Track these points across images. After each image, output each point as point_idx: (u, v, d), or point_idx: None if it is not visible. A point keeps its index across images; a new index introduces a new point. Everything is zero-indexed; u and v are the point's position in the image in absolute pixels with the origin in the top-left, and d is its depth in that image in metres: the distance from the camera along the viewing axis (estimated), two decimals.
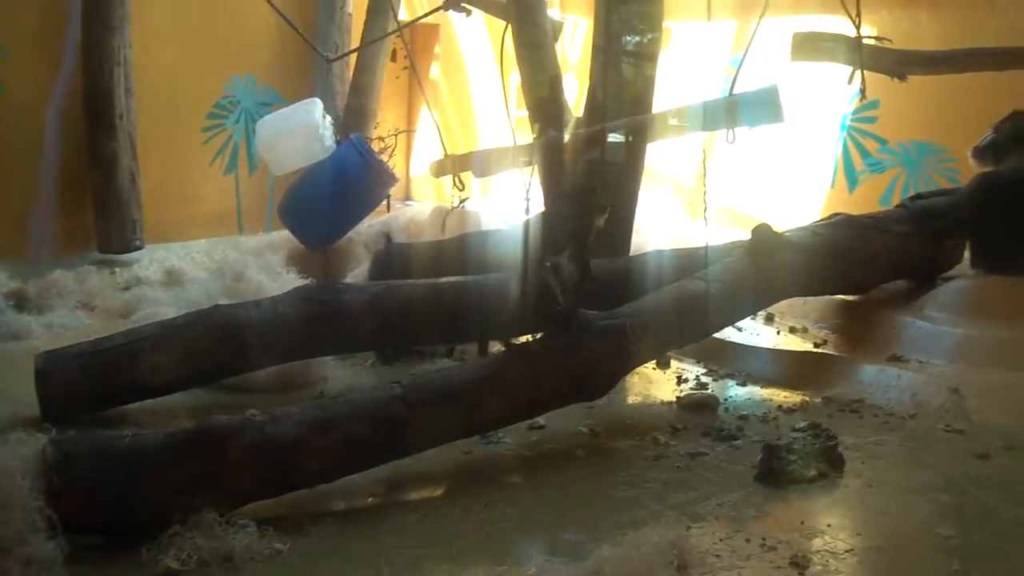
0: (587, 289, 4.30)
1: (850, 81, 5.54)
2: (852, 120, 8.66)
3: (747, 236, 5.15)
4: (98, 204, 7.65)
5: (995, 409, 4.64)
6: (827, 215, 6.12)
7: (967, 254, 5.96)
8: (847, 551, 3.29)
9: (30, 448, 3.22)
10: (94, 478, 3.22)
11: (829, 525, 3.49)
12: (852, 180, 8.74)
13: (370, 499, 3.74)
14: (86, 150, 7.62)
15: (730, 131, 5.03)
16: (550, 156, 5.93)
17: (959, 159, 7.60)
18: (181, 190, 8.46)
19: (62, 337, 5.58)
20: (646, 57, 5.93)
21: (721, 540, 3.34)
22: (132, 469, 3.27)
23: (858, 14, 5.25)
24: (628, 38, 5.88)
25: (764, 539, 3.34)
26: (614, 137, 5.74)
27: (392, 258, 6.09)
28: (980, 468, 4.03)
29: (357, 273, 6.69)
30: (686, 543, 3.22)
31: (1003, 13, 8.09)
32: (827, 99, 8.64)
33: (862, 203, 7.94)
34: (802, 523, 3.50)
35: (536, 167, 6.25)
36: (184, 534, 3.15)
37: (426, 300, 5.09)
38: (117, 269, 7.48)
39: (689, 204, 5.62)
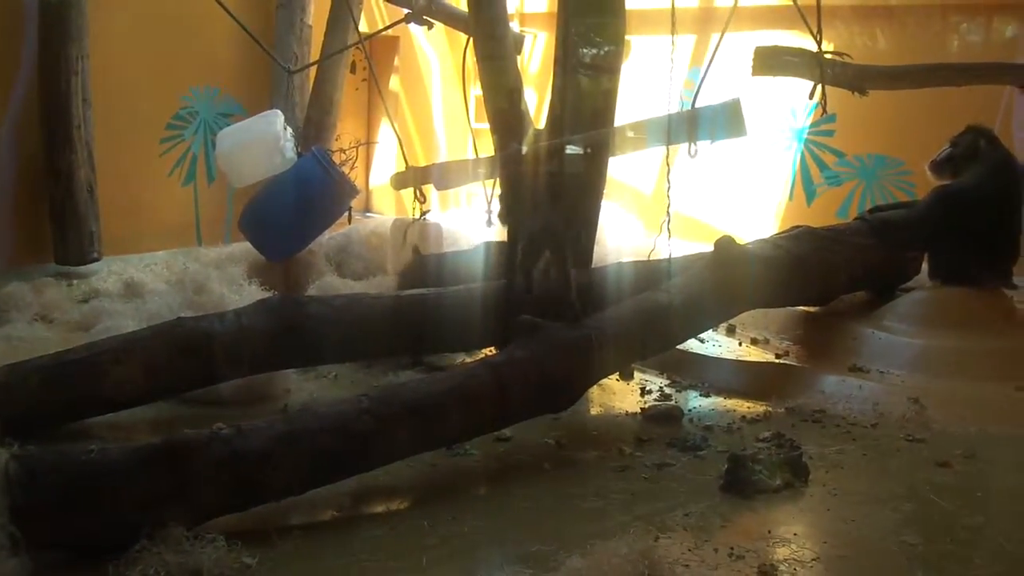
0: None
1: (811, 96, 5.60)
2: (810, 133, 8.76)
3: (706, 248, 5.19)
4: (55, 215, 7.56)
5: (955, 418, 4.73)
6: (787, 228, 6.18)
7: (925, 265, 6.05)
8: (814, 559, 3.32)
9: None
10: (59, 493, 3.16)
11: (795, 534, 3.52)
12: (810, 193, 8.83)
13: (338, 512, 3.72)
14: (43, 161, 7.54)
15: (692, 144, 5.06)
16: (510, 168, 5.91)
17: (915, 171, 7.72)
18: (139, 201, 8.38)
19: (20, 350, 5.49)
20: (607, 70, 5.93)
21: (689, 550, 3.36)
22: (97, 484, 3.22)
23: (819, 30, 5.32)
24: (589, 51, 5.90)
25: (732, 548, 3.36)
26: (573, 149, 5.75)
27: (421, 269, 6.17)
28: (942, 476, 4.10)
29: (320, 284, 6.66)
30: (655, 553, 3.23)
31: (955, 28, 8.24)
32: (784, 112, 8.74)
33: (820, 215, 8.03)
34: (769, 532, 3.53)
35: (496, 179, 6.27)
36: (151, 549, 3.10)
37: (389, 313, 5.09)
38: (75, 281, 7.38)
39: (659, 223, 5.66)
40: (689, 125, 5.16)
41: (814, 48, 5.59)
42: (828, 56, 5.70)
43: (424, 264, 6.31)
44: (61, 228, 7.57)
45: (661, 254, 5.82)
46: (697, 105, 5.18)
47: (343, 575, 3.19)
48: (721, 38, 5.08)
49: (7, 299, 6.50)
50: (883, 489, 3.94)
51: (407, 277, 6.25)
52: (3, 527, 2.95)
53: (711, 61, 5.15)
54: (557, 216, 4.86)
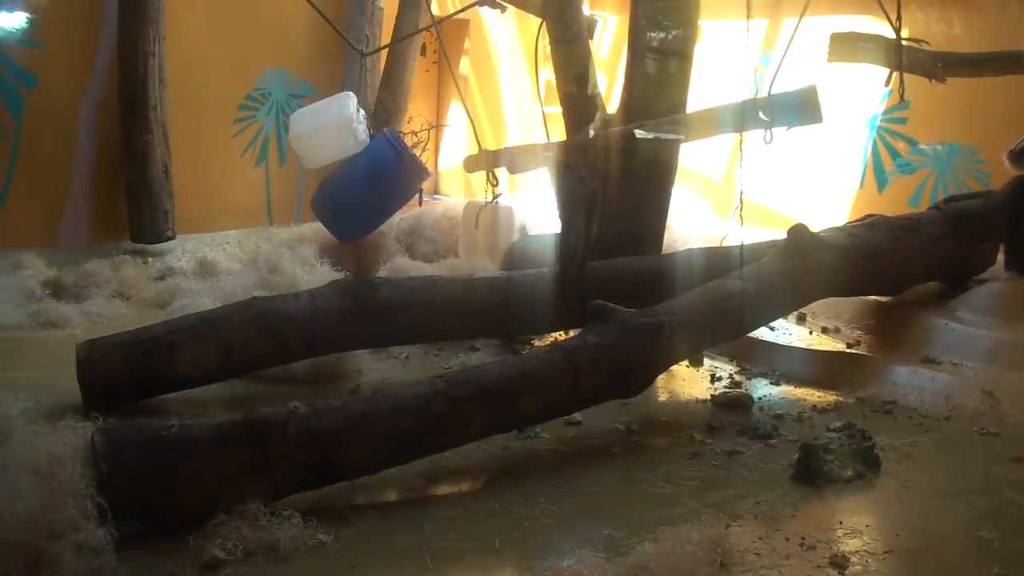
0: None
1: (887, 83, 5.53)
2: (882, 121, 8.64)
3: (776, 235, 5.15)
4: (131, 194, 7.70)
5: None
6: (860, 216, 6.12)
7: (1001, 257, 5.95)
8: (886, 552, 3.31)
9: (79, 436, 3.25)
10: (142, 467, 3.25)
11: (867, 526, 3.51)
12: (882, 181, 8.72)
13: (411, 492, 3.77)
14: (120, 140, 7.67)
15: (767, 131, 5.03)
16: (570, 155, 5.89)
17: (989, 161, 7.60)
18: (211, 181, 8.50)
19: (100, 326, 5.65)
20: (680, 55, 5.93)
21: (760, 539, 3.37)
22: (179, 459, 3.31)
23: (899, 16, 5.25)
24: (659, 35, 5.89)
25: (803, 538, 3.36)
26: (643, 134, 5.74)
27: (525, 249, 6.24)
28: (1017, 472, 4.04)
29: (390, 266, 6.70)
30: (726, 541, 3.25)
31: None
32: (857, 99, 8.63)
33: (891, 204, 7.92)
34: (840, 523, 3.52)
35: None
36: (230, 524, 3.19)
37: (461, 296, 5.13)
38: (150, 259, 7.51)
39: (730, 209, 5.61)
40: (765, 112, 5.13)
41: (890, 34, 5.52)
42: (905, 43, 5.61)
43: (524, 245, 6.33)
44: (136, 207, 7.70)
45: (732, 241, 5.80)
46: (771, 91, 5.15)
47: (416, 555, 3.22)
48: (798, 23, 5.03)
49: (87, 276, 6.63)
50: (957, 483, 3.91)
51: (509, 256, 6.31)
52: (91, 497, 3.02)
53: (788, 47, 5.09)
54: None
